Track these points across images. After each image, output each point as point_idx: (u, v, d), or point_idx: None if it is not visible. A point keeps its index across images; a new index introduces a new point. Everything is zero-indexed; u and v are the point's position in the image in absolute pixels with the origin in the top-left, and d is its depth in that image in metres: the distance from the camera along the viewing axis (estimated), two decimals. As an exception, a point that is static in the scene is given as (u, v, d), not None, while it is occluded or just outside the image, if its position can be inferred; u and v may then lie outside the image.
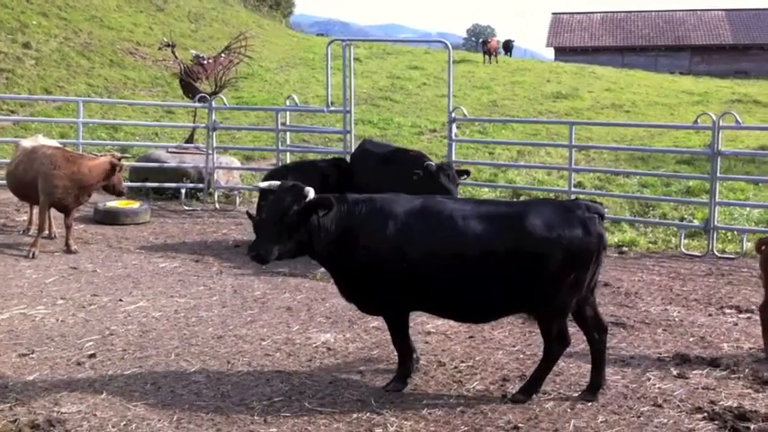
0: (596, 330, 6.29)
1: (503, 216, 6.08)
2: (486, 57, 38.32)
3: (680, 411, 6.05)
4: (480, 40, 53.71)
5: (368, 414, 5.87)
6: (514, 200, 13.08)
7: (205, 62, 17.35)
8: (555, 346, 6.12)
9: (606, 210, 13.64)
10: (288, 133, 16.05)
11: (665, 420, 5.91)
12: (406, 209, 6.16)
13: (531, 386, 6.18)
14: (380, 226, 6.08)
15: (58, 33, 28.23)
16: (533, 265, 5.87)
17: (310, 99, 25.44)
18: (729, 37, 53.12)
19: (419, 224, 6.06)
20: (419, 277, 6.00)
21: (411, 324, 6.58)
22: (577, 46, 55.38)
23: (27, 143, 11.60)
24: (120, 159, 11.12)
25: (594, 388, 6.25)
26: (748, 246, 11.52)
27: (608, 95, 29.33)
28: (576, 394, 6.29)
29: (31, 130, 17.50)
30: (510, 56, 47.60)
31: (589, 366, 6.39)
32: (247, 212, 7.14)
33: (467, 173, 11.05)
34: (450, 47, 15.04)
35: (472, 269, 5.93)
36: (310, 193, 6.08)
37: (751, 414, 5.97)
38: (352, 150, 12.69)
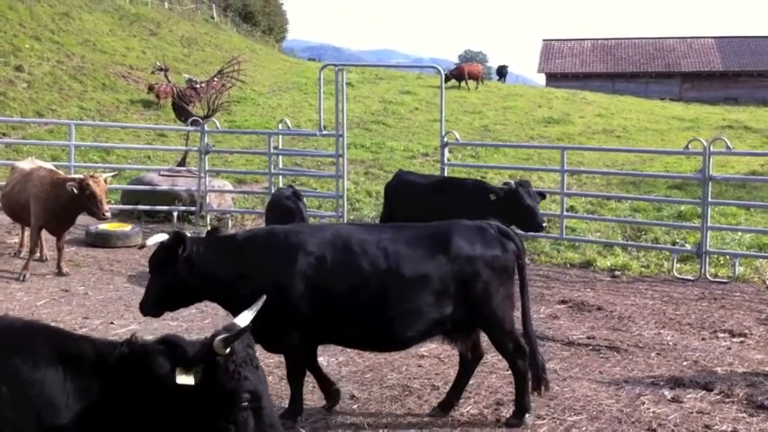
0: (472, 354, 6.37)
1: (428, 238, 6.06)
2: (457, 81, 37.67)
3: (683, 413, 6.02)
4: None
5: (361, 438, 5.82)
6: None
7: (198, 86, 17.42)
8: (517, 360, 6.12)
9: (598, 234, 13.71)
10: (280, 157, 16.05)
11: (665, 421, 5.88)
12: (319, 240, 5.95)
13: (520, 407, 6.16)
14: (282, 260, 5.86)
15: (50, 57, 28.28)
16: (464, 284, 5.91)
17: (303, 123, 25.50)
18: (719, 64, 53.55)
19: (333, 255, 5.86)
20: (330, 312, 5.80)
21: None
22: (568, 72, 55.73)
23: (25, 165, 11.57)
24: (97, 178, 10.60)
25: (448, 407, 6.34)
26: (740, 270, 11.54)
27: (599, 121, 29.49)
28: (571, 418, 6.26)
29: (23, 153, 17.48)
30: (504, 81, 47.83)
31: (584, 390, 6.36)
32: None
33: (543, 196, 10.69)
34: (442, 72, 15.10)
35: (402, 296, 5.80)
36: (155, 240, 6.04)
37: (750, 419, 5.95)
38: (344, 173, 12.67)
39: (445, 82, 15.44)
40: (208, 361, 3.35)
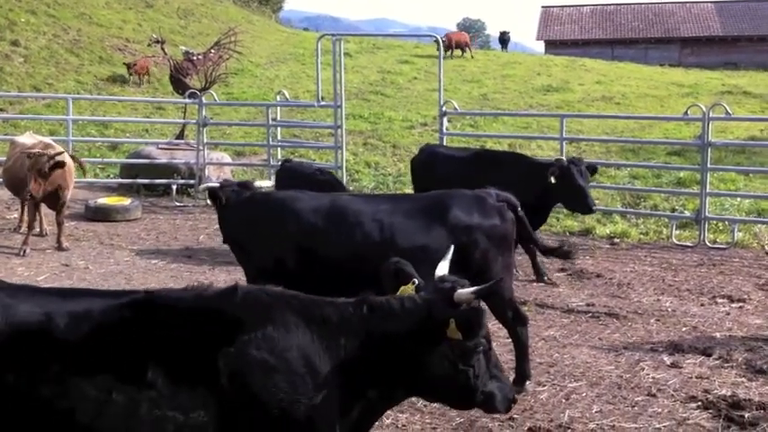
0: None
1: (426, 208, 6.07)
2: (444, 51, 37.20)
3: (674, 400, 6.08)
4: (470, 33, 53.58)
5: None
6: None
7: (195, 58, 17.32)
8: (517, 327, 6.16)
9: (597, 201, 13.73)
10: (279, 128, 16.04)
11: (660, 410, 5.94)
12: (313, 206, 6.07)
13: (521, 375, 6.20)
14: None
15: (46, 31, 28.10)
16: (463, 254, 5.93)
17: (301, 94, 25.39)
18: (719, 29, 53.19)
19: (329, 224, 5.96)
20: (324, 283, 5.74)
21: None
22: (567, 39, 55.38)
23: (25, 140, 11.54)
24: (38, 155, 10.28)
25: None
26: (739, 236, 11.57)
27: (598, 88, 29.35)
28: (571, 384, 6.31)
29: (20, 128, 17.42)
30: (506, 49, 47.50)
31: (584, 357, 6.41)
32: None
33: (595, 169, 10.08)
34: (440, 41, 15.03)
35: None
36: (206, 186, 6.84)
37: (745, 402, 6.01)
38: (343, 144, 12.61)
39: (438, 51, 15.30)
40: (451, 311, 3.51)
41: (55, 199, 10.88)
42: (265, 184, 7.25)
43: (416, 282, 3.81)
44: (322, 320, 3.48)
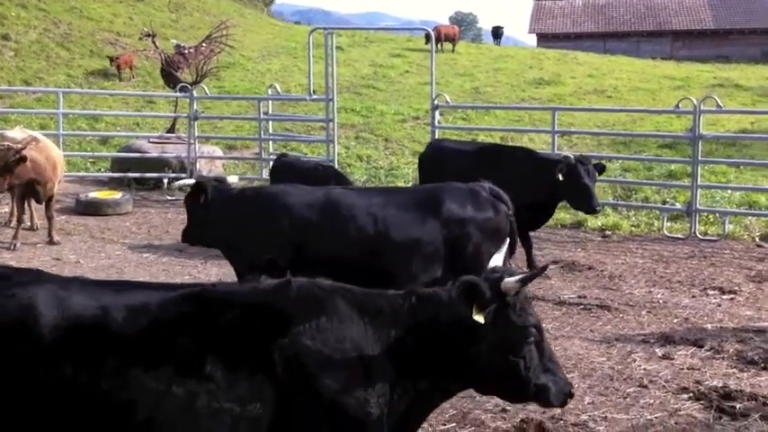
0: None
1: (419, 201, 6.06)
2: (438, 44, 36.99)
3: (666, 392, 6.09)
4: (462, 27, 53.62)
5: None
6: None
7: (186, 52, 17.27)
8: None
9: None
10: (270, 122, 16.01)
11: (651, 401, 5.95)
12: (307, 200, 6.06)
13: None
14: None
15: (37, 24, 27.98)
16: (456, 247, 5.93)
17: (292, 88, 25.34)
18: (710, 22, 53.25)
19: (324, 217, 5.95)
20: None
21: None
22: (560, 32, 55.38)
23: (15, 134, 11.48)
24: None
25: None
26: (730, 228, 11.60)
27: (590, 81, 29.36)
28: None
29: (11, 122, 17.33)
30: (499, 43, 47.45)
31: (575, 349, 6.42)
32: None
33: (603, 168, 9.89)
34: (432, 34, 15.02)
35: (392, 260, 5.84)
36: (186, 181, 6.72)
37: (736, 393, 6.02)
38: (335, 138, 12.59)
39: (426, 44, 15.30)
40: (499, 301, 3.52)
41: (33, 193, 10.78)
42: (233, 179, 7.23)
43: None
44: (373, 312, 3.52)
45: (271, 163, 15.73)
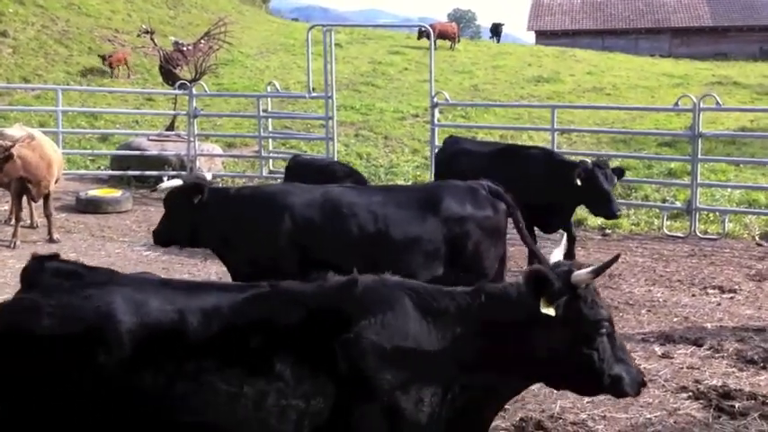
0: None
1: (418, 200, 6.07)
2: (442, 42, 36.73)
3: (665, 391, 6.10)
4: (460, 24, 53.58)
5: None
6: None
7: (185, 49, 17.26)
8: None
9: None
10: (269, 120, 16.00)
11: (651, 400, 5.96)
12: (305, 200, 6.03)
13: None
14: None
15: (35, 21, 27.93)
16: (455, 246, 5.94)
17: (291, 85, 25.32)
18: (709, 19, 53.21)
19: (323, 216, 5.95)
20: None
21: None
22: (558, 29, 55.34)
23: (16, 132, 11.46)
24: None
25: None
26: (730, 226, 11.61)
27: (589, 79, 29.36)
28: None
29: (9, 120, 17.31)
30: (498, 40, 47.42)
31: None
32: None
33: (622, 173, 9.77)
34: (431, 31, 15.01)
35: (392, 258, 5.73)
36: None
37: (735, 393, 6.04)
38: (335, 136, 12.57)
39: (418, 40, 15.27)
40: (570, 293, 3.52)
41: (27, 191, 10.75)
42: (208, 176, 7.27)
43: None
44: (438, 311, 3.55)
45: (270, 161, 15.83)
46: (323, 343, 3.38)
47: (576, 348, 3.54)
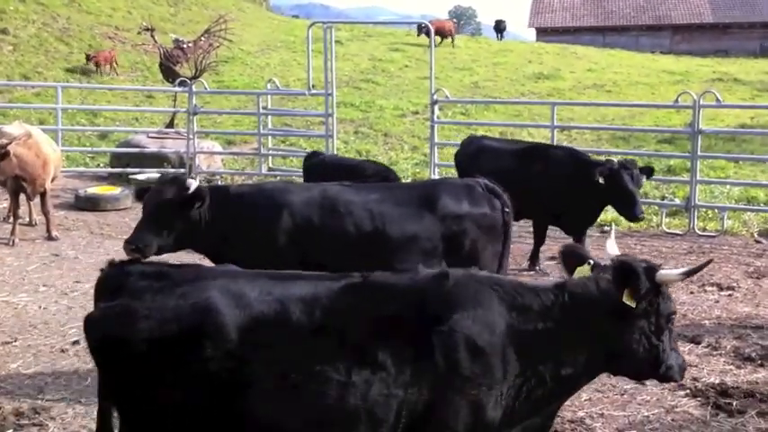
0: None
1: (415, 198, 6.05)
2: (426, 37, 36.45)
3: (663, 388, 6.10)
4: (461, 21, 53.52)
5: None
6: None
7: (185, 46, 17.25)
8: None
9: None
10: (269, 117, 15.99)
11: (648, 398, 5.96)
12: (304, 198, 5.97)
13: None
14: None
15: (35, 19, 27.93)
16: (452, 243, 5.93)
17: (291, 82, 25.31)
18: (710, 16, 53.16)
19: (322, 214, 5.91)
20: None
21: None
22: (559, 26, 55.27)
23: (15, 129, 11.46)
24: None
25: None
26: (729, 223, 11.61)
27: (589, 76, 29.34)
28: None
29: (9, 117, 17.33)
30: (501, 38, 47.39)
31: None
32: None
33: (649, 172, 9.49)
34: (431, 28, 15.01)
35: (389, 256, 5.77)
36: (192, 185, 5.82)
37: (733, 390, 6.04)
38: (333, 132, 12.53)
39: (417, 36, 15.26)
40: (653, 289, 3.67)
41: (22, 189, 10.74)
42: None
43: (592, 262, 3.93)
44: (523, 307, 3.64)
45: (270, 158, 15.83)
46: (419, 334, 3.45)
47: (648, 339, 3.72)
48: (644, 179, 9.29)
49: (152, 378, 3.33)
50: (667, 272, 3.73)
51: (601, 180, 8.80)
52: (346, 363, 3.35)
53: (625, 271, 3.62)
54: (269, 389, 3.31)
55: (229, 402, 3.31)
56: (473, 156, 10.11)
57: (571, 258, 4.06)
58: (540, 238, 9.79)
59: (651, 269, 3.68)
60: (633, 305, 3.60)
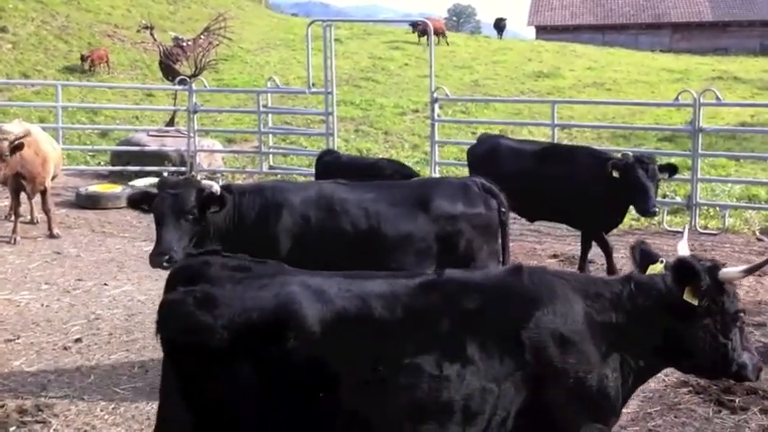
0: None
1: (410, 197, 6.03)
2: (422, 38, 36.15)
3: (665, 385, 6.11)
4: (460, 19, 53.53)
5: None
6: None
7: (184, 44, 17.23)
8: None
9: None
10: (270, 115, 15.99)
11: (651, 395, 5.96)
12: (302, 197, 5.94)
13: None
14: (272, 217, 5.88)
15: (35, 17, 27.92)
16: (447, 243, 5.92)
17: (291, 80, 25.31)
18: (709, 14, 53.17)
19: (319, 213, 5.88)
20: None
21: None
22: (558, 24, 55.28)
23: (14, 127, 11.45)
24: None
25: None
26: (730, 221, 11.61)
27: (589, 74, 29.34)
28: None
29: (9, 115, 17.33)
30: (502, 36, 47.41)
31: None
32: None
33: (672, 170, 9.17)
34: (431, 26, 14.99)
35: (383, 256, 5.77)
36: (215, 188, 5.74)
37: (736, 387, 6.03)
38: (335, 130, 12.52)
39: (412, 33, 15.21)
40: (715, 287, 3.73)
41: (22, 187, 10.73)
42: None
43: (664, 261, 3.97)
44: (596, 296, 3.72)
45: (270, 156, 15.82)
46: (504, 329, 3.49)
47: (715, 337, 3.75)
48: (665, 176, 9.10)
49: (228, 368, 3.26)
50: (729, 270, 3.80)
51: (615, 174, 8.68)
52: (436, 356, 3.36)
53: (683, 269, 3.68)
54: (356, 383, 3.29)
55: (314, 396, 3.27)
56: (490, 157, 9.66)
57: (643, 256, 4.11)
58: (602, 245, 9.33)
59: (714, 268, 3.75)
60: (696, 303, 3.66)
